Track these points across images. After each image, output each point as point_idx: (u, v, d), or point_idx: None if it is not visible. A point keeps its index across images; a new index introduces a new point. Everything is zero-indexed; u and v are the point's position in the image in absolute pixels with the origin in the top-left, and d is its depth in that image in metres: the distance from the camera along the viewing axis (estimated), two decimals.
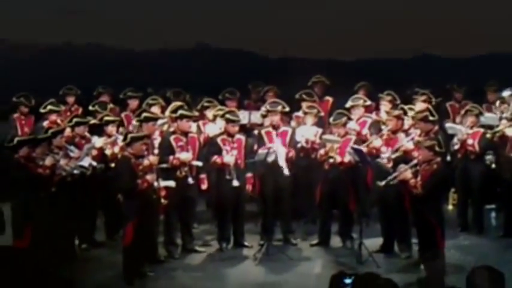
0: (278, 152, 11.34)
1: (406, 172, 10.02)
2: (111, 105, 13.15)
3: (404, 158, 10.60)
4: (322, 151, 11.48)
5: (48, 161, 10.47)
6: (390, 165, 10.64)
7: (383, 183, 10.22)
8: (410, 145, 10.50)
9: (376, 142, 11.22)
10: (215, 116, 12.54)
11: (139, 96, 13.39)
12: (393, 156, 10.64)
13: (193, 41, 15.61)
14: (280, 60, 15.49)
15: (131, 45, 15.49)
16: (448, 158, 12.17)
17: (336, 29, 15.13)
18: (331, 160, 11.35)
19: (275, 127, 11.66)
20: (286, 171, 11.31)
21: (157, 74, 15.04)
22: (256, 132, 12.22)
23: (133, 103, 13.29)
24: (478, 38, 14.67)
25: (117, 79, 14.29)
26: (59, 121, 12.54)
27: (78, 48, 15.80)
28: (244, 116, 12.35)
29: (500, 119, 12.37)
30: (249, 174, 11.55)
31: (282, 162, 11.32)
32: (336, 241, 11.68)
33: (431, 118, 11.34)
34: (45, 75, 14.83)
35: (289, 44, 15.34)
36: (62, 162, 10.80)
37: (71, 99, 13.81)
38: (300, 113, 12.64)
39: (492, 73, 13.93)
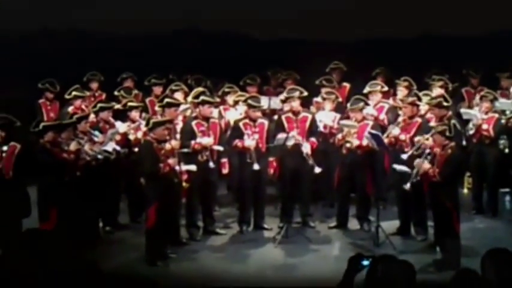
0: (303, 148, 11.33)
1: (423, 164, 10.03)
2: (135, 91, 13.19)
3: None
4: (339, 136, 11.49)
5: (73, 146, 10.56)
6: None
7: (408, 186, 10.24)
8: (430, 142, 10.41)
9: (394, 131, 11.19)
10: (236, 102, 12.58)
11: (163, 83, 13.43)
12: (415, 153, 10.58)
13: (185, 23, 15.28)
14: (285, 42, 15.28)
15: (114, 29, 15.18)
16: (464, 142, 12.13)
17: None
18: (348, 145, 11.34)
19: (295, 113, 11.65)
20: (316, 168, 11.27)
21: (144, 59, 14.93)
22: (276, 117, 12.22)
23: (157, 89, 13.35)
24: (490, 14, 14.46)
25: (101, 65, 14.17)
26: (83, 107, 12.64)
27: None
28: (264, 102, 12.33)
29: None
30: (270, 158, 11.59)
31: (308, 156, 11.30)
32: (353, 224, 11.69)
33: (445, 104, 11.33)
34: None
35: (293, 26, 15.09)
36: (87, 147, 10.87)
37: (94, 85, 13.86)
38: (319, 99, 12.63)
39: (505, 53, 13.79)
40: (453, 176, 9.96)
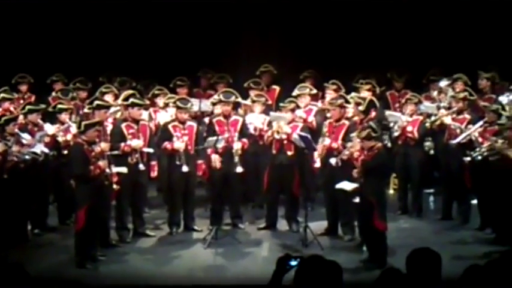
0: (234, 146, 11.38)
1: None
2: (73, 94, 12.94)
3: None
4: (269, 132, 11.53)
5: (0, 148, 10.34)
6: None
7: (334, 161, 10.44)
8: (357, 147, 10.49)
9: (325, 142, 11.18)
10: (166, 104, 12.50)
11: (89, 88, 13.22)
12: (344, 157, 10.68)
13: None
14: None
15: None
16: (389, 144, 12.28)
17: None
18: (277, 136, 11.34)
19: (226, 116, 11.64)
20: (239, 169, 11.34)
21: None
22: (207, 120, 12.18)
23: (82, 94, 13.13)
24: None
25: None
26: (12, 109, 12.37)
27: None
28: (195, 104, 12.28)
29: (439, 108, 12.46)
30: (199, 161, 11.54)
31: (236, 158, 11.36)
32: (282, 225, 11.69)
33: (360, 108, 11.60)
34: None
35: None
36: (14, 149, 10.72)
37: (24, 87, 13.60)
38: (247, 101, 12.63)
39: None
40: (376, 169, 10.02)
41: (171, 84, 13.43)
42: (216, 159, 11.33)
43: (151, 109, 12.53)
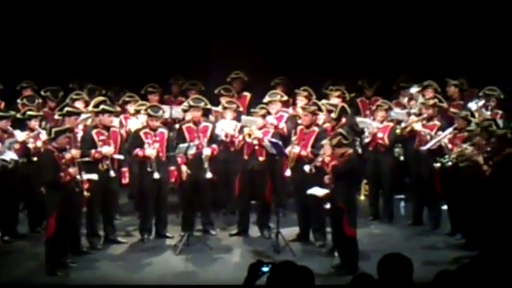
0: (203, 151, 11.38)
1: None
2: (38, 100, 12.84)
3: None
4: (240, 137, 11.53)
5: None
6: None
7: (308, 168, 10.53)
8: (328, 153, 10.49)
9: (295, 150, 11.20)
10: (137, 111, 12.42)
11: (57, 96, 13.08)
12: (318, 164, 10.71)
13: None
14: None
15: None
16: (359, 150, 12.31)
17: None
18: (248, 140, 11.36)
19: (196, 123, 11.62)
20: (209, 175, 11.34)
21: None
22: (177, 126, 12.15)
23: (50, 104, 13.00)
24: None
25: None
26: None
27: None
28: (166, 111, 12.25)
29: (409, 114, 12.53)
30: (171, 167, 11.51)
31: (206, 164, 11.36)
32: (254, 231, 11.70)
33: (332, 115, 11.71)
34: None
35: None
36: None
37: None
38: (218, 108, 12.61)
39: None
40: (346, 175, 10.04)
41: (142, 91, 13.40)
42: (184, 170, 11.30)
43: (122, 116, 12.49)
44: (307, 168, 10.86)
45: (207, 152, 11.42)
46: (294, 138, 11.32)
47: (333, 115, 11.79)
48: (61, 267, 10.14)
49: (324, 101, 12.34)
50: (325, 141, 10.57)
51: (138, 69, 14.43)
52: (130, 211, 12.61)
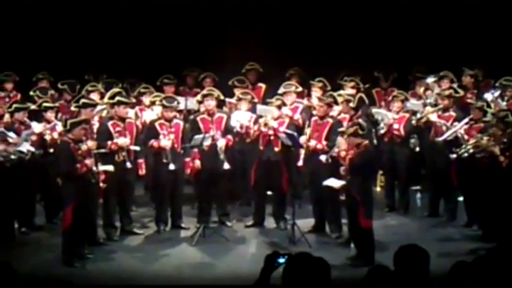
0: (218, 143, 11.39)
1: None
2: (51, 91, 12.95)
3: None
4: (255, 127, 11.53)
5: None
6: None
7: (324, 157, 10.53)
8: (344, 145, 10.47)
9: (311, 143, 11.22)
10: (152, 102, 12.49)
11: (76, 87, 13.10)
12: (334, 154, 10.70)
13: None
14: None
15: None
16: (375, 141, 12.26)
17: None
18: (264, 129, 11.36)
19: (210, 113, 11.64)
20: (226, 166, 11.34)
21: None
22: (191, 117, 12.18)
23: (67, 96, 13.07)
24: None
25: None
26: None
27: None
28: (181, 102, 12.28)
29: (425, 105, 12.51)
30: (187, 159, 11.55)
31: (222, 155, 11.35)
32: (270, 222, 11.70)
33: (351, 105, 11.69)
34: None
35: None
36: (0, 148, 10.64)
37: (9, 86, 13.53)
38: (233, 100, 12.63)
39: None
40: (361, 169, 10.03)
41: (158, 82, 13.44)
42: (197, 165, 11.38)
43: (137, 107, 12.50)
44: (323, 158, 10.84)
45: (222, 142, 11.43)
46: (307, 130, 11.31)
47: (352, 104, 11.74)
48: (78, 258, 10.20)
49: (341, 92, 12.33)
50: (342, 129, 10.53)
51: (153, 61, 14.48)
52: (146, 202, 12.63)
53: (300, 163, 11.45)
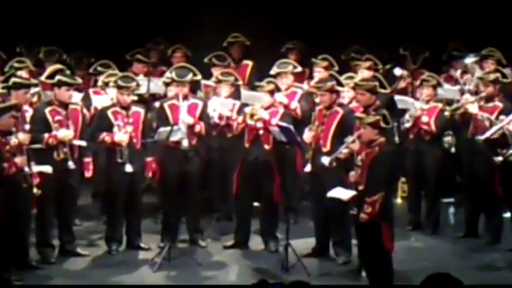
0: (182, 125, 11.42)
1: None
2: None
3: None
4: (240, 119, 11.61)
5: None
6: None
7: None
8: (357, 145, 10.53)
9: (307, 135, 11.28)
10: (105, 83, 12.50)
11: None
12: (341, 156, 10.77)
13: None
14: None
15: None
16: (397, 139, 12.32)
17: None
18: (250, 122, 11.38)
19: (181, 98, 11.64)
20: (185, 143, 11.36)
21: None
22: (157, 104, 12.21)
23: None
24: None
25: None
26: None
27: None
28: (141, 84, 12.28)
29: (462, 92, 12.55)
30: (148, 158, 11.58)
31: (183, 134, 11.35)
32: (256, 242, 11.77)
33: (380, 90, 11.59)
34: None
35: None
36: None
37: None
38: (210, 82, 12.67)
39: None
40: (382, 181, 10.01)
41: (128, 56, 13.62)
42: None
43: (91, 90, 12.69)
44: (325, 160, 10.86)
45: (188, 119, 11.40)
46: (312, 123, 11.29)
47: (362, 92, 11.62)
48: (2, 286, 10.13)
49: (352, 74, 12.41)
50: (358, 116, 10.54)
51: (105, 30, 14.50)
52: (94, 214, 12.69)
53: (308, 168, 11.32)
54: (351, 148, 10.68)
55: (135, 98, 11.83)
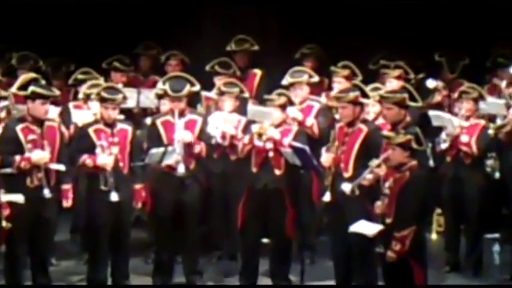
0: (178, 146, 11.42)
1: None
2: None
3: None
4: (246, 139, 11.59)
5: None
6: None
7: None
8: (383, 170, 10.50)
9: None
10: (87, 96, 12.44)
11: None
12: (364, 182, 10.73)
13: None
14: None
15: None
16: (431, 162, 12.26)
17: None
18: (259, 144, 11.33)
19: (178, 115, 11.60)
20: (181, 168, 11.34)
21: None
22: (148, 121, 12.16)
23: None
24: None
25: None
26: None
27: None
28: (129, 96, 12.18)
29: (509, 106, 12.45)
30: (137, 185, 11.50)
31: (179, 156, 11.35)
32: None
33: (411, 103, 11.42)
34: None
35: None
36: None
37: None
38: (211, 94, 12.59)
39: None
40: (413, 213, 9.97)
41: (104, 64, 13.63)
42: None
43: (70, 104, 12.71)
44: (347, 188, 10.76)
45: (185, 138, 11.39)
46: (331, 142, 11.20)
47: (389, 105, 11.49)
48: None
49: (378, 85, 12.35)
50: (386, 135, 10.51)
51: (88, 32, 14.48)
52: (73, 252, 12.67)
53: (327, 198, 11.21)
54: (377, 173, 10.63)
55: (122, 116, 11.77)
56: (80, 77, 12.93)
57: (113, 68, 13.63)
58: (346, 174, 10.97)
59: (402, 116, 11.33)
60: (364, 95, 11.43)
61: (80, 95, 12.69)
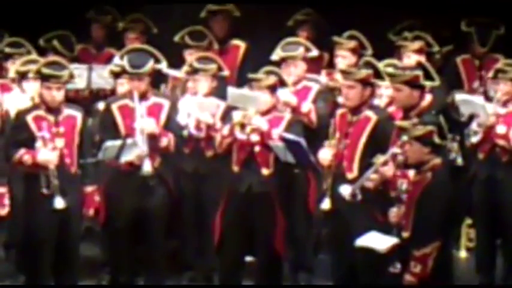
0: (140, 138, 11.50)
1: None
2: None
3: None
4: (225, 130, 11.72)
5: None
6: None
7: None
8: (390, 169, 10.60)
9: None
10: (22, 74, 12.41)
11: None
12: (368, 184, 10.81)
13: None
14: None
15: None
16: (459, 160, 12.32)
17: None
18: (241, 137, 11.42)
19: (137, 97, 11.63)
20: (146, 166, 11.41)
21: None
22: (101, 106, 12.24)
23: None
24: None
25: None
26: None
27: None
28: (77, 74, 12.18)
29: None
30: (88, 188, 11.53)
31: (142, 150, 11.42)
32: None
33: (425, 83, 11.37)
34: None
35: None
36: None
37: None
38: (180, 73, 12.69)
39: None
40: (436, 225, 10.00)
41: (42, 41, 13.75)
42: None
43: None
44: (346, 191, 10.80)
45: (148, 127, 11.47)
46: (332, 135, 11.26)
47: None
48: None
49: (395, 62, 12.39)
50: (401, 126, 10.49)
51: None
52: (7, 273, 12.80)
53: (326, 205, 11.28)
54: (383, 173, 10.59)
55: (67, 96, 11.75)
56: (8, 50, 13.00)
57: (51, 48, 13.72)
58: (350, 175, 11.05)
59: (415, 99, 11.24)
60: (379, 75, 11.45)
61: (10, 73, 12.68)
